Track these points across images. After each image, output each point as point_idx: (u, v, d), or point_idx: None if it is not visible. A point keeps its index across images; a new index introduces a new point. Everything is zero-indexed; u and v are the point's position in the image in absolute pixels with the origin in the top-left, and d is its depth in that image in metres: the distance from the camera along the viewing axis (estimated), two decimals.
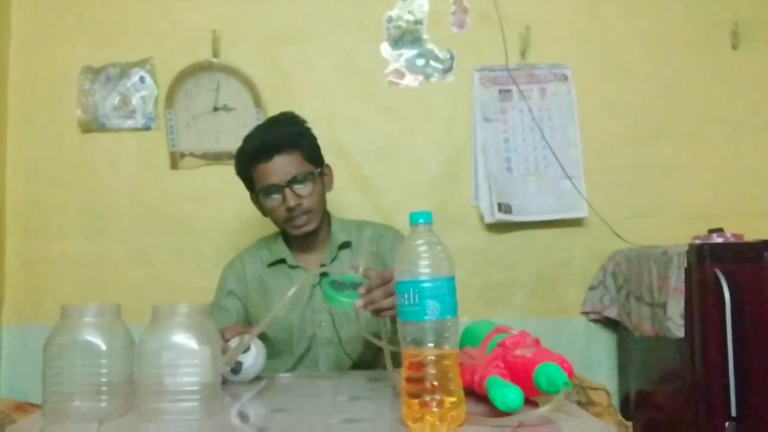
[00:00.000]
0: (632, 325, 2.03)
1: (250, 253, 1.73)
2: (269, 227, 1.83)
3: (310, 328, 1.62)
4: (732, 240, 1.94)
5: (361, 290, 1.16)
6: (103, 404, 0.96)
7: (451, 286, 0.90)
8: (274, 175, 1.56)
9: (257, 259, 1.70)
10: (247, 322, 1.65)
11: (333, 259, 1.65)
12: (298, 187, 1.56)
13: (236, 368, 1.25)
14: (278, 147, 1.56)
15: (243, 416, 1.01)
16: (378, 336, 1.18)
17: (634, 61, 2.36)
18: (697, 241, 1.92)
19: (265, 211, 1.65)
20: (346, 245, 1.66)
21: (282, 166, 1.56)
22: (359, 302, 1.15)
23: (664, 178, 2.34)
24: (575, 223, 2.32)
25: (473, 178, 2.32)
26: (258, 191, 1.61)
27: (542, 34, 2.34)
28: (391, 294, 1.14)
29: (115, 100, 2.32)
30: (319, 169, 1.63)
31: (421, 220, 0.93)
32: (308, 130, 1.65)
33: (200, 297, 2.11)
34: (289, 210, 1.54)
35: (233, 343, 1.26)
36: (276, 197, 1.57)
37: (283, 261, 1.67)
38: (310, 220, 1.60)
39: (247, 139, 1.63)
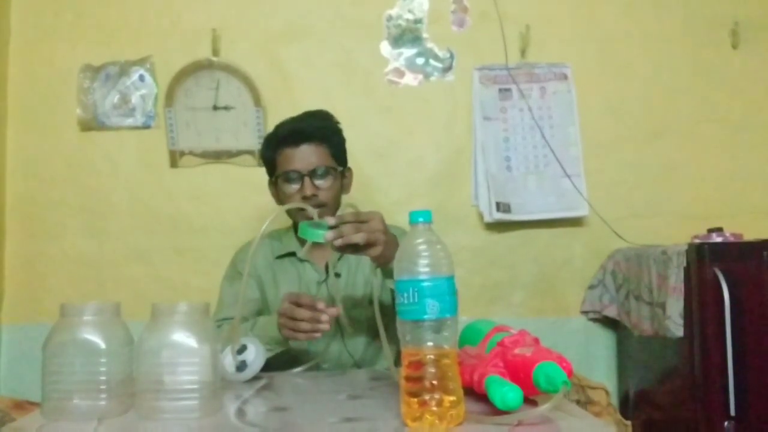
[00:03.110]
0: (631, 324, 2.04)
1: (262, 243, 1.73)
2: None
3: None
4: (731, 239, 1.94)
5: (331, 222, 1.20)
6: (103, 402, 0.96)
7: (451, 285, 0.90)
8: (297, 162, 1.57)
9: (268, 249, 1.70)
10: (264, 303, 1.66)
11: (339, 258, 1.66)
12: (318, 179, 1.57)
13: (241, 366, 1.25)
14: (308, 136, 1.59)
15: (242, 415, 1.01)
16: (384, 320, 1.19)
17: (634, 61, 2.36)
18: (697, 241, 1.92)
19: (279, 199, 1.65)
20: None
21: (307, 155, 1.58)
22: (329, 233, 1.18)
23: (664, 178, 2.34)
24: (575, 222, 2.32)
25: (473, 177, 2.32)
26: (278, 175, 1.62)
27: (542, 33, 2.34)
28: (362, 230, 1.19)
29: (115, 98, 2.32)
30: (341, 169, 1.65)
31: (420, 219, 0.93)
32: (340, 129, 1.67)
33: (200, 295, 2.11)
34: (305, 199, 1.54)
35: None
36: (294, 184, 1.58)
37: (292, 254, 1.67)
38: (322, 214, 1.60)
39: (280, 125, 1.66)
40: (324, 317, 1.30)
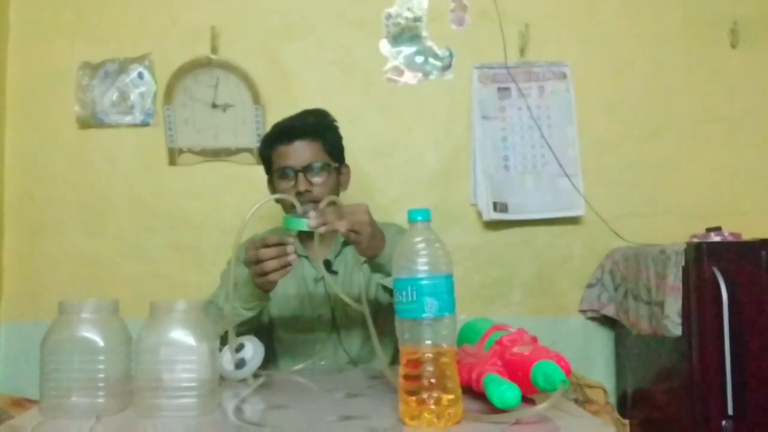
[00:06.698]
0: (630, 323, 2.04)
1: (264, 238, 1.74)
2: (266, 225, 1.83)
3: (309, 321, 1.63)
4: (730, 239, 1.94)
5: (312, 213, 1.21)
6: (101, 400, 0.96)
7: (449, 283, 0.90)
8: (290, 158, 1.58)
9: None
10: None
11: (337, 255, 1.66)
12: (311, 175, 1.58)
13: (239, 364, 1.25)
14: (301, 133, 1.60)
15: (240, 413, 1.01)
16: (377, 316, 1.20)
17: (633, 60, 2.36)
18: (695, 240, 1.93)
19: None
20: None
21: (301, 151, 1.59)
22: (312, 220, 1.20)
23: (663, 177, 2.34)
24: (573, 221, 2.32)
25: (472, 175, 2.32)
26: (273, 172, 1.63)
27: (541, 32, 2.34)
28: (343, 217, 1.23)
29: (114, 95, 2.31)
30: (337, 165, 1.65)
31: (419, 218, 0.93)
32: (335, 126, 1.68)
33: (198, 293, 2.11)
34: (299, 195, 1.54)
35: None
36: (289, 180, 1.59)
37: None
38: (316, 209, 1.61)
39: (275, 124, 1.68)
40: (290, 248, 1.28)
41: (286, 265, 1.29)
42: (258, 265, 1.29)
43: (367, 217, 1.28)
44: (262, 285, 1.34)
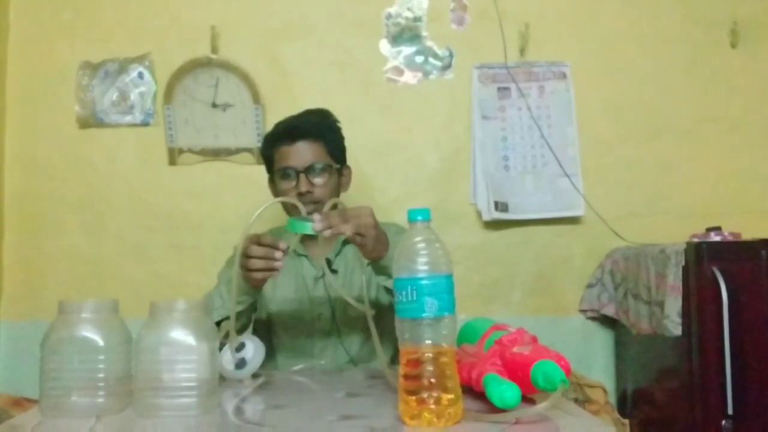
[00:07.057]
0: (630, 323, 2.04)
1: (261, 235, 1.74)
2: (266, 225, 1.83)
3: (309, 320, 1.63)
4: (730, 238, 1.94)
5: (316, 216, 1.21)
6: (101, 400, 0.96)
7: (449, 283, 0.90)
8: (292, 159, 1.58)
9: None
10: (261, 296, 1.66)
11: (337, 254, 1.66)
12: (313, 176, 1.57)
13: (240, 364, 1.25)
14: (304, 133, 1.59)
15: (240, 412, 1.01)
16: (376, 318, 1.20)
17: (632, 60, 2.36)
18: (695, 240, 1.93)
19: (278, 195, 1.66)
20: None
21: (303, 152, 1.58)
22: (317, 223, 1.20)
23: (662, 176, 2.34)
24: (573, 221, 2.32)
25: (472, 175, 2.32)
26: (274, 171, 1.63)
27: (541, 32, 2.34)
28: (348, 220, 1.23)
29: (114, 95, 2.31)
30: (338, 166, 1.65)
31: (419, 218, 0.93)
32: (338, 128, 1.67)
33: (198, 293, 2.10)
34: (300, 195, 1.54)
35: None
36: (290, 181, 1.58)
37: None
38: (317, 210, 1.61)
39: (278, 123, 1.67)
40: (278, 254, 1.28)
41: (271, 269, 1.29)
42: (246, 259, 1.30)
43: (371, 220, 1.28)
44: (247, 280, 1.35)
